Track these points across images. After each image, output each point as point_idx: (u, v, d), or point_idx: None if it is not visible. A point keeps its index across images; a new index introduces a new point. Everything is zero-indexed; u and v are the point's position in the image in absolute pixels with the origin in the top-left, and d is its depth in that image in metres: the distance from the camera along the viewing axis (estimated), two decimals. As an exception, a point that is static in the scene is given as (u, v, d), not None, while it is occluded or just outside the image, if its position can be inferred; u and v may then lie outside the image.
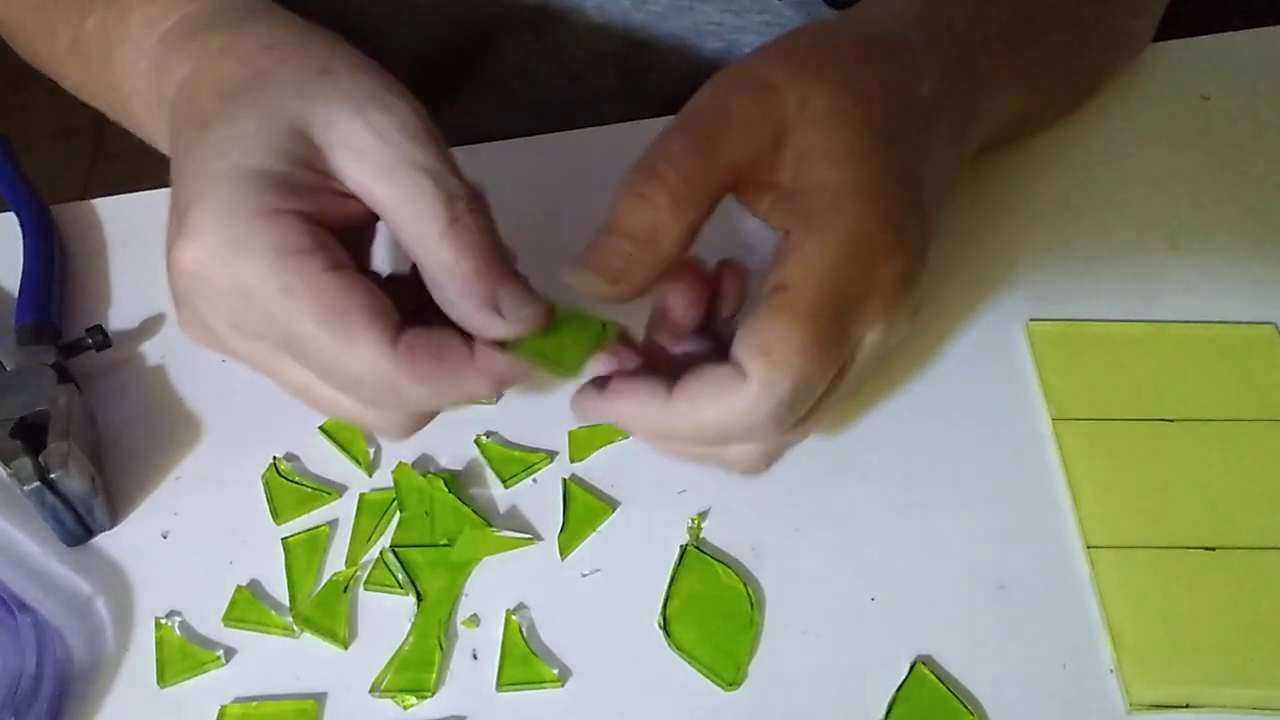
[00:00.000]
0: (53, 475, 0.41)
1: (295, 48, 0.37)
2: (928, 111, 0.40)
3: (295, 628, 0.42)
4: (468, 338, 0.35)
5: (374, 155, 0.34)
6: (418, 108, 0.36)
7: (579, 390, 0.37)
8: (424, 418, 0.38)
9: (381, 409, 0.37)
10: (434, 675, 0.40)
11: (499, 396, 0.47)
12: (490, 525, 0.44)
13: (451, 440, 0.46)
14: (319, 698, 0.40)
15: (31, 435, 0.42)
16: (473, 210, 0.35)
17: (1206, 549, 0.42)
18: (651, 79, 0.62)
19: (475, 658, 0.41)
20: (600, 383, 0.37)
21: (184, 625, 0.42)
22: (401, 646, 0.41)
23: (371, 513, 0.44)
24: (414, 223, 0.34)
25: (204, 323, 0.35)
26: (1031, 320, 0.48)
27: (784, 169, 0.37)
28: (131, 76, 0.43)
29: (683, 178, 0.35)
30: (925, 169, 0.39)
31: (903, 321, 0.38)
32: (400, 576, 0.42)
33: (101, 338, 0.46)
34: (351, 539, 0.44)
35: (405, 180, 0.34)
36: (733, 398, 0.34)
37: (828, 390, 0.37)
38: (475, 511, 0.44)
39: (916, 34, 0.41)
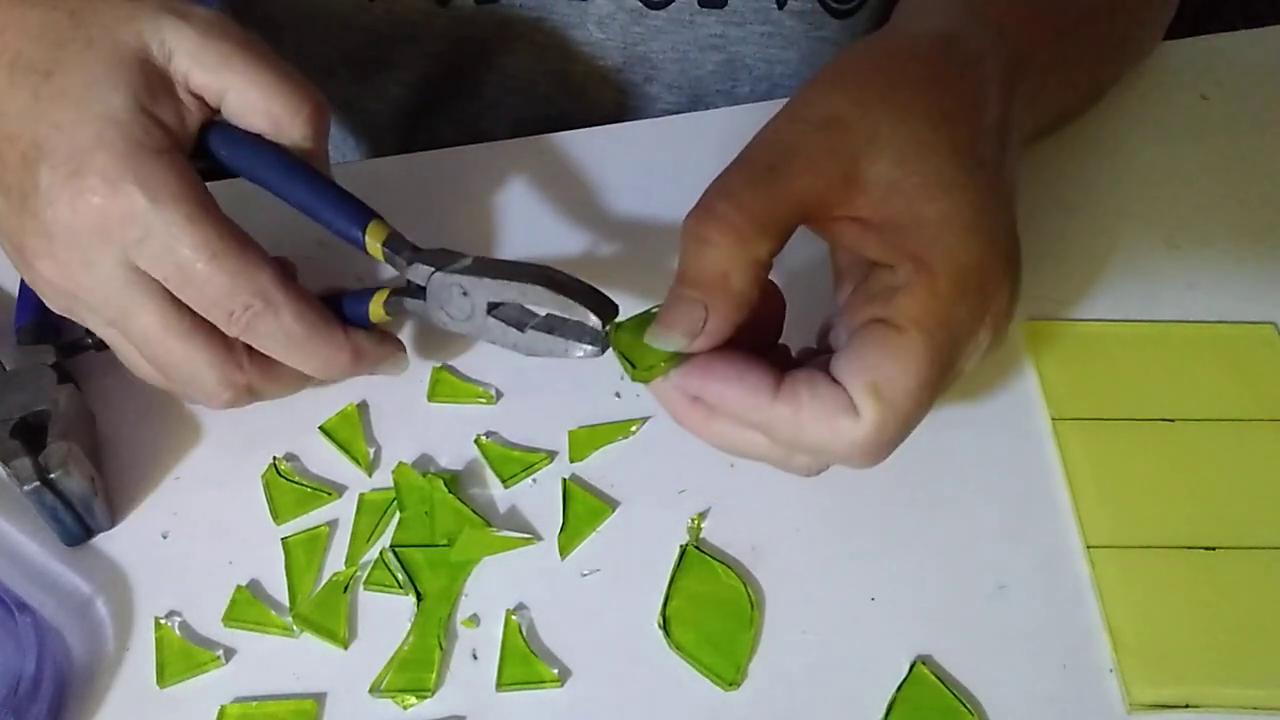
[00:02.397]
0: (52, 475, 0.41)
1: None
2: (1000, 124, 0.39)
3: (295, 628, 0.42)
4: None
5: (210, 51, 0.39)
6: (217, 12, 0.41)
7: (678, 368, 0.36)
8: (289, 378, 0.42)
9: (234, 359, 0.40)
10: (434, 675, 0.40)
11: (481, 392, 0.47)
12: (490, 525, 0.44)
13: (451, 440, 0.46)
14: (319, 698, 0.40)
15: (31, 435, 0.42)
16: (307, 84, 0.41)
17: (1206, 549, 0.42)
18: (652, 93, 0.62)
19: (475, 658, 0.41)
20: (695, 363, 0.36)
21: (184, 625, 0.42)
22: (401, 646, 0.41)
23: (371, 513, 0.44)
24: (263, 100, 0.40)
25: (83, 261, 0.38)
26: (1031, 320, 0.48)
27: (866, 204, 0.36)
28: None
29: (744, 213, 0.34)
30: (1008, 187, 0.38)
31: (997, 344, 0.37)
32: (400, 576, 0.42)
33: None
34: (351, 539, 0.44)
35: (245, 66, 0.39)
36: (842, 428, 0.34)
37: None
38: (475, 511, 0.44)
39: (973, 43, 0.40)
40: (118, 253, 0.37)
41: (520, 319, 0.40)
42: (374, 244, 0.41)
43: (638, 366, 0.36)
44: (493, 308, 0.40)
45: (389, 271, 0.42)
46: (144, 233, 0.37)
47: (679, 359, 0.36)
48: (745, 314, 0.35)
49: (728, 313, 0.35)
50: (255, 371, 0.41)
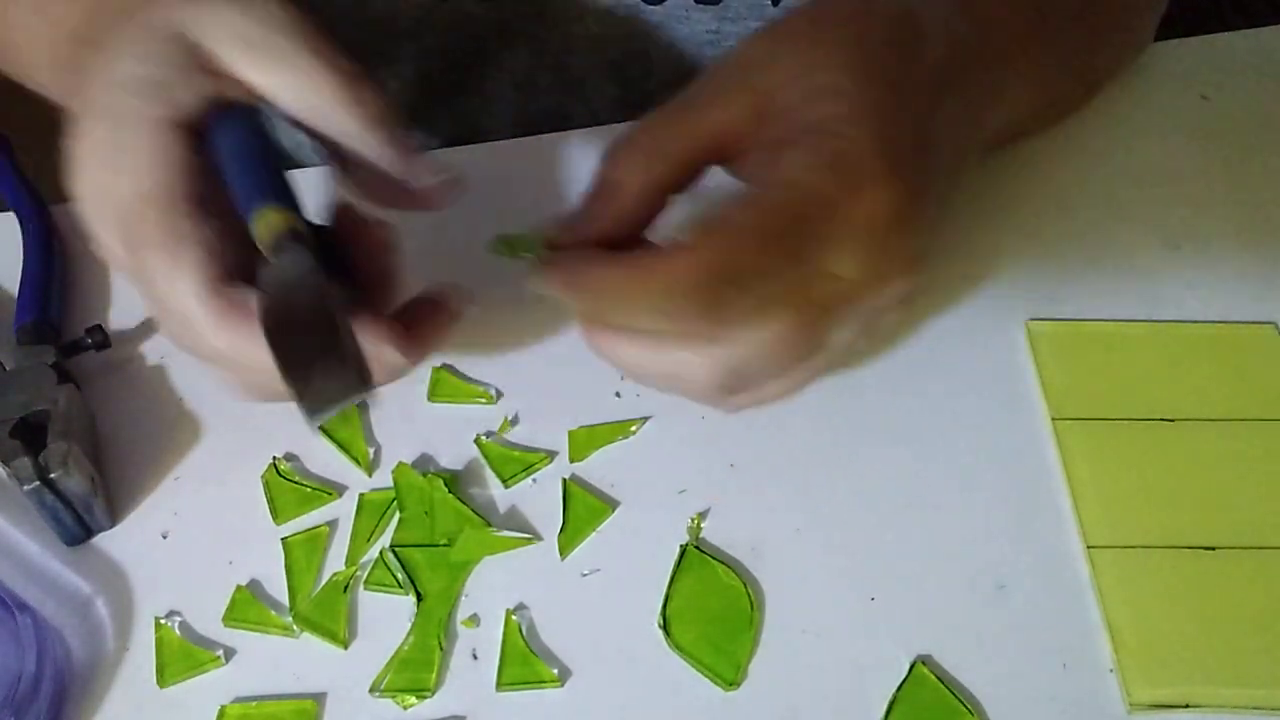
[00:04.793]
0: (52, 475, 0.41)
1: None
2: (935, 78, 0.39)
3: (295, 628, 0.42)
4: None
5: (263, 44, 0.37)
6: (285, 3, 0.38)
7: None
8: (257, 387, 0.39)
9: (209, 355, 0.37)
10: (434, 675, 0.40)
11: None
12: (490, 525, 0.44)
13: (451, 440, 0.46)
14: (319, 698, 0.40)
15: (31, 435, 0.42)
16: (370, 83, 0.38)
17: (1206, 549, 0.42)
18: (650, 88, 0.62)
19: (475, 658, 0.41)
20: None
21: (184, 625, 0.42)
22: (401, 646, 0.41)
23: (371, 512, 0.44)
24: (317, 99, 0.37)
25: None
26: (1031, 320, 0.48)
27: (773, 130, 0.37)
28: (35, 26, 0.44)
29: (651, 138, 0.37)
30: (933, 133, 0.38)
31: (895, 272, 0.37)
32: (400, 576, 0.42)
33: (101, 338, 0.46)
34: (351, 539, 0.44)
35: (300, 62, 0.37)
36: (665, 259, 0.34)
37: (788, 307, 0.36)
38: (475, 511, 0.44)
39: (928, 7, 0.40)
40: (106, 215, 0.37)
41: None
42: (261, 235, 0.36)
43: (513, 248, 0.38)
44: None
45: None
46: (105, 201, 0.36)
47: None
48: (624, 228, 0.37)
49: (606, 219, 0.37)
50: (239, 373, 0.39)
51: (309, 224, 0.37)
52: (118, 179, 0.36)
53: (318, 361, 0.33)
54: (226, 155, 0.37)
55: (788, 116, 0.36)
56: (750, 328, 0.36)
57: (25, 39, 0.45)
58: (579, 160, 0.54)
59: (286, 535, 0.44)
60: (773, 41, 0.38)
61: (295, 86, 0.37)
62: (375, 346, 0.37)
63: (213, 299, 0.35)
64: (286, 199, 0.37)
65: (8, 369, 0.45)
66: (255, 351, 0.34)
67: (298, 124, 0.38)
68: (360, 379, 0.34)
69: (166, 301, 0.36)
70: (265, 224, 0.35)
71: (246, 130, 0.38)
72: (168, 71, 0.36)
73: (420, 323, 0.39)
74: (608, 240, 0.37)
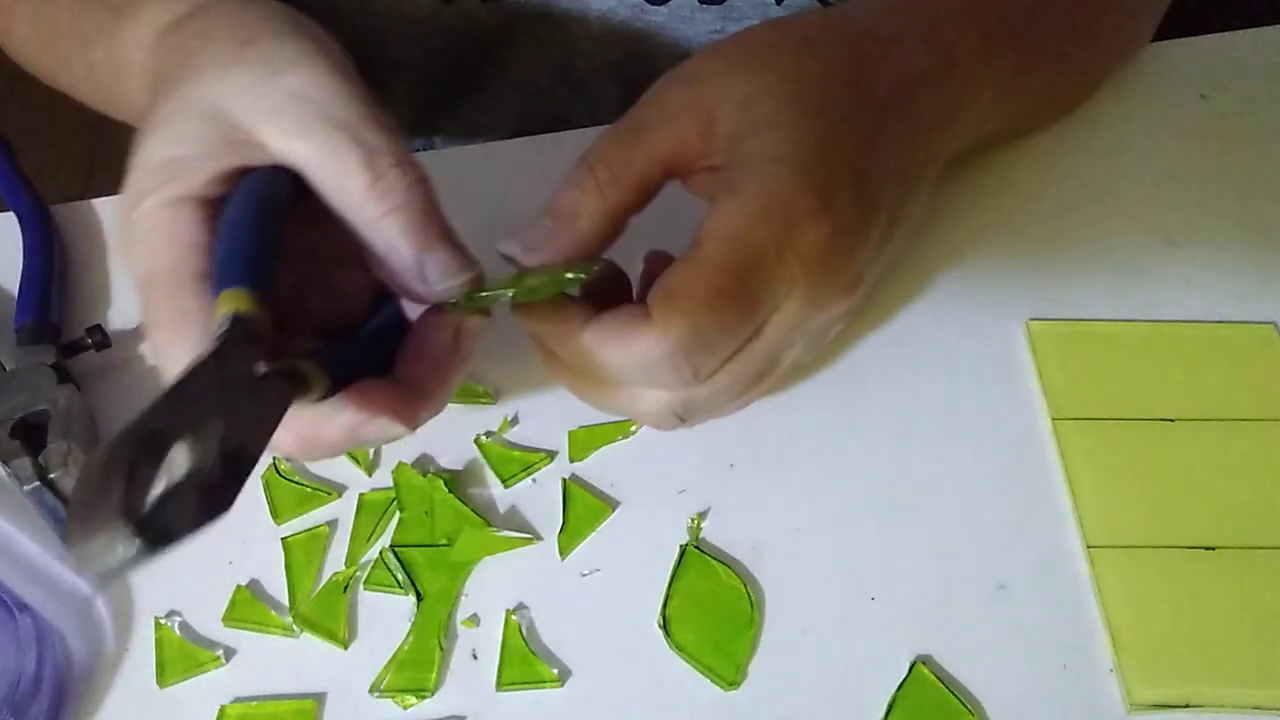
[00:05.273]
0: (53, 475, 0.41)
1: (229, 25, 0.38)
2: (881, 106, 0.40)
3: (295, 628, 0.42)
4: None
5: (290, 114, 0.34)
6: (340, 64, 0.36)
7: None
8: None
9: None
10: (434, 675, 0.40)
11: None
12: (490, 525, 0.44)
13: (451, 440, 0.46)
14: (319, 698, 0.40)
15: (31, 435, 0.42)
16: (399, 166, 0.35)
17: (1206, 549, 0.42)
18: None
19: (475, 657, 0.41)
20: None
21: (184, 625, 0.42)
22: (401, 646, 0.41)
23: (371, 512, 0.44)
24: (335, 179, 0.34)
25: None
26: (1031, 320, 0.48)
27: (717, 153, 0.38)
28: (131, 87, 0.44)
29: (607, 167, 0.37)
30: (876, 153, 0.39)
31: (834, 299, 0.38)
32: (400, 576, 0.42)
33: (101, 338, 0.46)
34: (351, 539, 0.44)
35: (322, 136, 0.34)
36: (633, 334, 0.36)
37: (741, 351, 0.38)
38: (475, 511, 0.44)
39: (885, 28, 0.42)
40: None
41: None
42: (217, 312, 0.32)
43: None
44: None
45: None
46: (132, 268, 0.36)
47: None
48: (583, 252, 0.38)
49: (564, 244, 0.38)
50: None
51: (268, 307, 0.32)
52: (133, 260, 0.35)
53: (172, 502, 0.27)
54: (221, 225, 0.34)
55: (729, 143, 0.38)
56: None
57: (117, 86, 0.46)
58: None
59: (286, 535, 0.44)
60: (724, 60, 0.39)
61: (314, 160, 0.34)
62: (368, 419, 0.34)
63: None
64: (254, 272, 0.33)
65: (8, 369, 0.45)
66: None
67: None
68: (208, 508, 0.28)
69: (165, 369, 0.35)
70: (225, 303, 0.32)
71: (261, 195, 0.35)
72: (190, 149, 0.35)
73: (423, 379, 0.36)
74: (561, 261, 0.38)
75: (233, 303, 0.31)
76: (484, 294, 0.37)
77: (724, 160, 0.38)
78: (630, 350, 0.36)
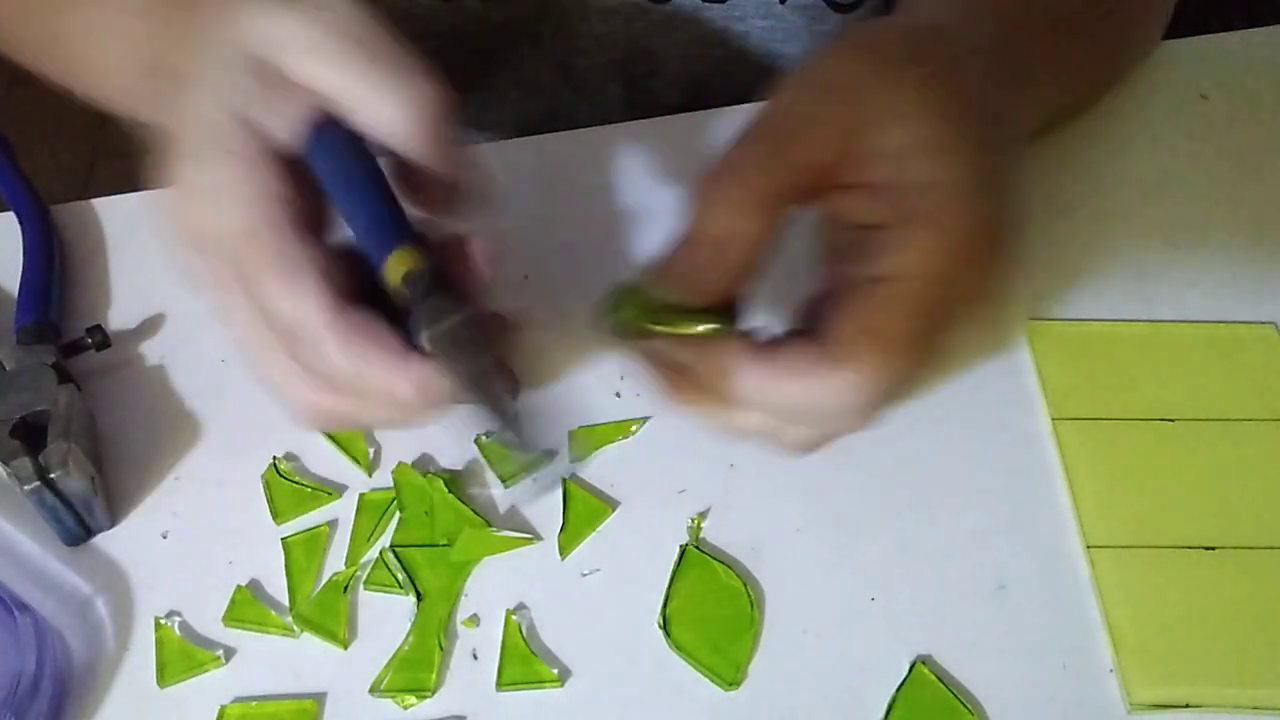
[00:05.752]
0: (53, 475, 0.41)
1: None
2: (998, 114, 0.38)
3: (295, 628, 0.42)
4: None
5: (323, 47, 0.35)
6: (357, 3, 0.37)
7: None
8: (336, 413, 0.37)
9: (311, 382, 0.36)
10: (434, 675, 0.40)
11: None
12: (490, 525, 0.44)
13: (451, 440, 0.46)
14: (319, 698, 0.40)
15: (31, 435, 0.42)
16: (430, 81, 0.36)
17: (1206, 549, 0.42)
18: (655, 87, 0.62)
19: (475, 658, 0.41)
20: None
21: (184, 625, 0.42)
22: (401, 646, 0.41)
23: (371, 512, 0.44)
24: (373, 102, 0.36)
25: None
26: (1031, 320, 0.48)
27: (873, 170, 0.35)
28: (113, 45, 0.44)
29: (747, 186, 0.34)
30: (1014, 171, 0.37)
31: (989, 314, 0.36)
32: (400, 576, 0.42)
33: (101, 338, 0.46)
34: (351, 539, 0.44)
35: (358, 62, 0.36)
36: (821, 375, 0.33)
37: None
38: (475, 511, 0.44)
39: (971, 35, 0.40)
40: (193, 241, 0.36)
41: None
42: (393, 276, 0.36)
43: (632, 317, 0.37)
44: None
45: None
46: (206, 237, 0.36)
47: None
48: (738, 282, 0.35)
49: (718, 276, 0.35)
50: (332, 397, 0.37)
51: (424, 246, 0.36)
52: (220, 219, 0.35)
53: (504, 395, 0.36)
54: (331, 182, 0.37)
55: (895, 165, 0.35)
56: None
57: (92, 53, 0.45)
58: (583, 160, 0.54)
59: (286, 535, 0.44)
60: (860, 66, 0.36)
61: (348, 89, 0.36)
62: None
63: (338, 321, 0.34)
64: (404, 227, 0.36)
65: (8, 369, 0.45)
66: (378, 374, 0.34)
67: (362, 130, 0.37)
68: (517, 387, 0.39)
69: (288, 323, 0.35)
70: (398, 265, 0.35)
71: (346, 149, 0.37)
72: (251, 102, 0.35)
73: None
74: (720, 299, 0.35)
75: (408, 260, 0.35)
76: (623, 293, 0.36)
77: (888, 179, 0.35)
78: (814, 391, 0.33)
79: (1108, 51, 0.52)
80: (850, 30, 0.39)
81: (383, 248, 0.36)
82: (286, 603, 0.42)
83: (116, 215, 0.54)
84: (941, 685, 0.40)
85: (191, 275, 0.37)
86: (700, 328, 0.35)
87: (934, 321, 0.34)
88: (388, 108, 0.36)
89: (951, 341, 0.35)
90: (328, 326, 0.34)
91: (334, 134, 0.37)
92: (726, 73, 0.62)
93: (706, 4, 0.57)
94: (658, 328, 0.35)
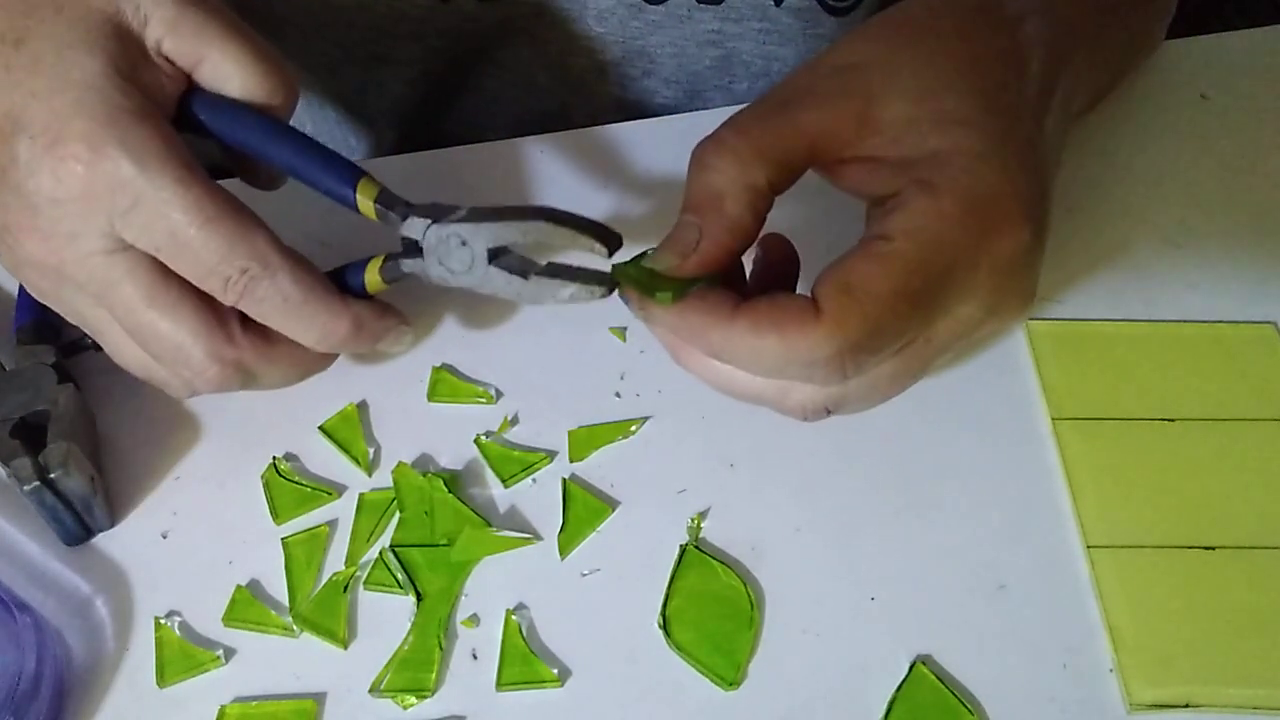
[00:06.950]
0: (52, 475, 0.41)
1: None
2: (1042, 86, 0.37)
3: (295, 628, 0.42)
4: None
5: (184, 21, 0.38)
6: None
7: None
8: (284, 357, 0.40)
9: (223, 333, 0.38)
10: (434, 675, 0.40)
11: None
12: (490, 525, 0.44)
13: (451, 440, 0.46)
14: (319, 698, 0.40)
15: (31, 435, 0.42)
16: (263, 41, 0.40)
17: (1206, 549, 0.42)
18: (650, 87, 0.62)
19: (475, 658, 0.41)
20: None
21: (184, 625, 0.42)
22: (401, 646, 0.41)
23: (371, 512, 0.44)
24: (236, 72, 0.39)
25: (68, 233, 0.36)
26: (1031, 320, 0.48)
27: (880, 142, 0.35)
28: None
29: (745, 139, 0.34)
30: (1045, 148, 0.37)
31: (1013, 309, 0.36)
32: (400, 576, 0.42)
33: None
34: (351, 539, 0.44)
35: (220, 37, 0.38)
36: (799, 329, 0.33)
37: (903, 351, 0.35)
38: (475, 511, 0.44)
39: (1014, 6, 0.39)
40: (103, 223, 0.36)
41: (523, 267, 0.38)
42: (366, 201, 0.39)
43: (639, 300, 0.36)
44: (494, 256, 0.38)
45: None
46: (133, 200, 0.35)
47: (678, 294, 0.35)
48: (740, 240, 0.35)
49: (719, 235, 0.35)
50: (248, 347, 0.39)
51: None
52: (131, 183, 0.35)
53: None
54: (258, 139, 0.40)
55: (905, 136, 0.35)
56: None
57: None
58: (579, 160, 0.54)
59: (286, 535, 0.44)
60: (881, 46, 0.36)
61: (217, 61, 0.39)
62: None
63: (289, 255, 0.38)
64: (347, 161, 0.40)
65: (8, 369, 0.45)
66: (321, 304, 0.38)
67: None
68: None
69: (246, 257, 0.37)
70: (369, 190, 0.40)
71: (240, 111, 0.40)
72: (134, 69, 0.37)
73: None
74: (723, 258, 0.35)
75: (374, 185, 0.40)
76: (629, 266, 0.36)
77: (898, 152, 0.35)
78: (792, 345, 0.33)
79: (1137, 40, 0.52)
80: (877, 14, 0.39)
81: (346, 181, 0.40)
82: (286, 603, 0.42)
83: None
84: (941, 685, 0.40)
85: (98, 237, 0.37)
86: (692, 290, 0.35)
87: (922, 282, 0.33)
88: (251, 69, 0.39)
89: (952, 314, 0.35)
90: (282, 257, 0.37)
91: (214, 100, 0.40)
92: (721, 74, 0.62)
93: (701, 5, 0.57)
94: (657, 295, 0.35)
